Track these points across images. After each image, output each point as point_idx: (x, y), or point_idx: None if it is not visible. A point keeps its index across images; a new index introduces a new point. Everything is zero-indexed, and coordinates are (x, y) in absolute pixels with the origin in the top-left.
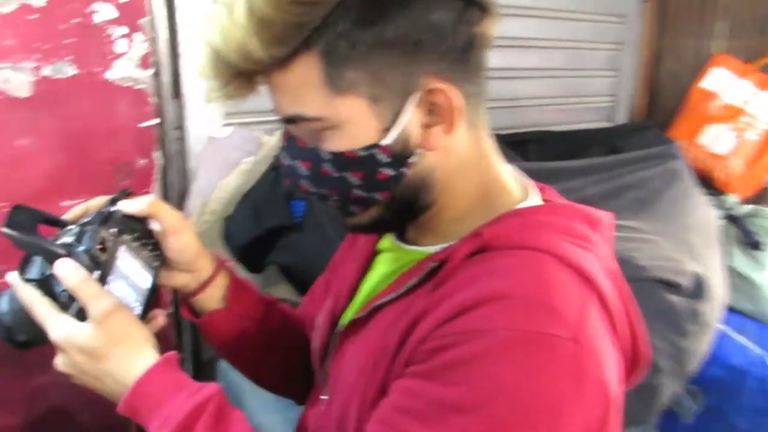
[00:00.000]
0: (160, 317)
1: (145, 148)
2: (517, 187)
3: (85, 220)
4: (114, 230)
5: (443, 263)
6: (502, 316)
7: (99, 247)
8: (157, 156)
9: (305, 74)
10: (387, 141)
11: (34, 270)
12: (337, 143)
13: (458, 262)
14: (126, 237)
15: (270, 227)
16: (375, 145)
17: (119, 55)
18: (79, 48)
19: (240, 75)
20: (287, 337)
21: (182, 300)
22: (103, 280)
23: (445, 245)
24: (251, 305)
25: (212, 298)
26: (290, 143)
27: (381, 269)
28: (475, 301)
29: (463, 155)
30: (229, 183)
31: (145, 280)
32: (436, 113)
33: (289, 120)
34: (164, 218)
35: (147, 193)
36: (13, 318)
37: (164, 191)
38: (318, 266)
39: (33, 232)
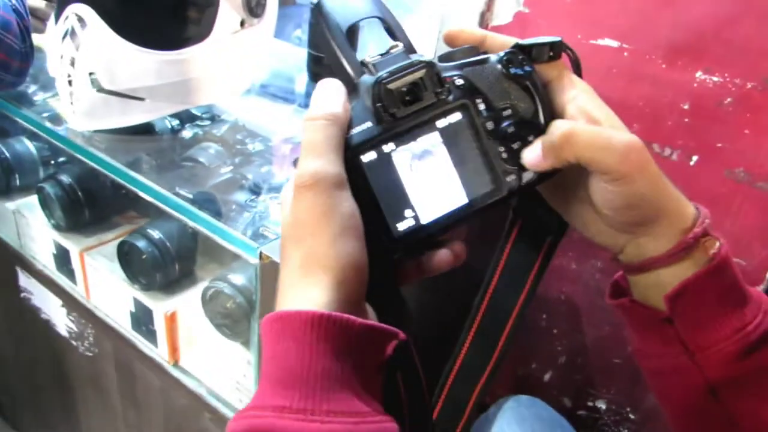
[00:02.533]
0: (443, 253)
1: None
2: None
3: (450, 50)
4: (460, 82)
5: None
6: None
7: (404, 89)
8: None
9: None
10: None
11: None
12: None
13: None
14: (479, 106)
15: None
16: None
17: None
18: None
19: None
20: None
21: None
22: (371, 141)
23: None
24: (709, 342)
25: (654, 289)
26: None
27: None
28: None
29: None
30: None
31: (467, 189)
32: None
33: None
34: (591, 166)
35: None
36: None
37: None
38: None
39: (341, 30)
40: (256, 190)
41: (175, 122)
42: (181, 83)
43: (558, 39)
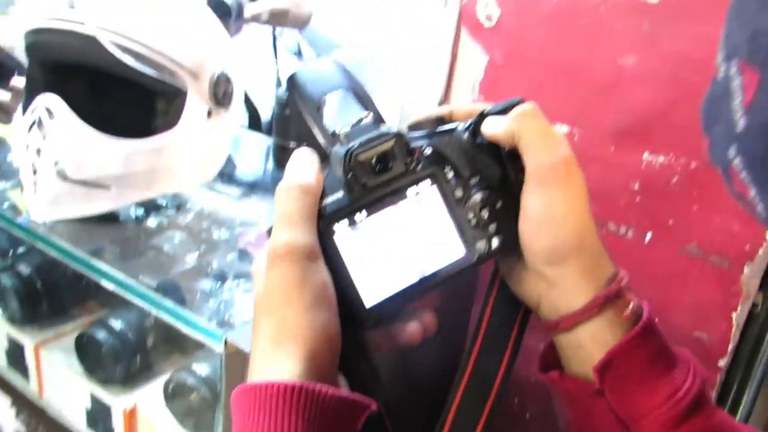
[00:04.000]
0: (414, 325)
1: None
2: None
3: (419, 120)
4: (429, 151)
5: None
6: None
7: (375, 159)
8: None
9: None
10: None
11: None
12: None
13: None
14: (448, 174)
15: None
16: None
17: None
18: None
19: None
20: None
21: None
22: (343, 211)
23: None
24: (642, 412)
25: (578, 352)
26: None
27: None
28: None
29: None
30: None
31: (438, 256)
32: None
33: None
34: (527, 152)
35: None
36: None
37: None
38: None
39: (313, 101)
40: (221, 278)
41: (140, 211)
42: (147, 172)
43: (518, 99)
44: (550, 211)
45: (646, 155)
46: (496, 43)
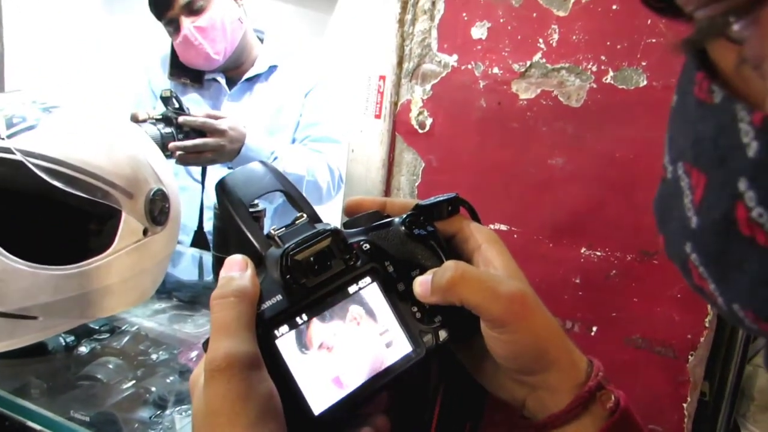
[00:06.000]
0: (366, 431)
1: None
2: None
3: (355, 216)
4: (367, 247)
5: None
6: None
7: (312, 258)
8: None
9: None
10: None
11: None
12: None
13: None
14: (388, 269)
15: None
16: None
17: None
18: (656, 52)
19: None
20: None
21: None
22: (283, 314)
23: None
24: None
25: None
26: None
27: None
28: None
29: None
30: None
31: (386, 353)
32: None
33: None
34: (478, 311)
35: None
36: None
37: None
38: None
39: (244, 205)
40: (161, 404)
41: (70, 338)
42: (79, 297)
43: (454, 195)
44: (518, 347)
45: (583, 250)
46: (431, 148)
